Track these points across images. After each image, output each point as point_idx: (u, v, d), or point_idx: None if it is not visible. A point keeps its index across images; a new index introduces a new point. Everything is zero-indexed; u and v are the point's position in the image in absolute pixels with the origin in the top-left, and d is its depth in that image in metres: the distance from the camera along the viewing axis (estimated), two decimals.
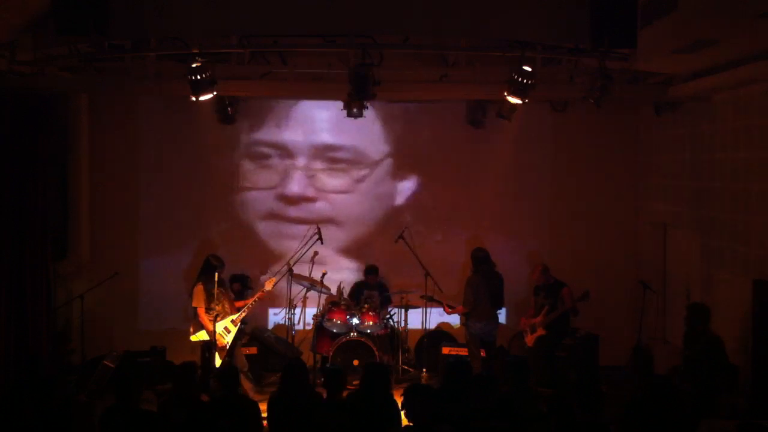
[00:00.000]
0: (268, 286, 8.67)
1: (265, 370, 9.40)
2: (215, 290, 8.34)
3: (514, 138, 10.22)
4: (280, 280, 8.99)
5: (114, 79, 8.16)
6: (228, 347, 8.46)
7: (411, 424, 5.55)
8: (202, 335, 8.44)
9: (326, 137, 10.49)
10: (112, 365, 8.82)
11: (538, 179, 10.68)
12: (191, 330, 8.56)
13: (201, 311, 8.37)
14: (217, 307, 8.44)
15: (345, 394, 6.22)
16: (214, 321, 8.29)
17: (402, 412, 5.69)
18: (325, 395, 6.15)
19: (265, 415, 6.25)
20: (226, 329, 8.47)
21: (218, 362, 8.36)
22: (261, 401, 8.11)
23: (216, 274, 8.37)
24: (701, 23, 5.99)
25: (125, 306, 10.14)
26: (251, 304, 8.64)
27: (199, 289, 8.45)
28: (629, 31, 6.34)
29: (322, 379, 6.61)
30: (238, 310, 8.63)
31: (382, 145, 10.50)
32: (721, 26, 6.08)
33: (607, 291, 10.11)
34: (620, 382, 8.69)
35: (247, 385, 8.50)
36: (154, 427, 5.55)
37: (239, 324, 8.57)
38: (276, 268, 9.63)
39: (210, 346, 8.39)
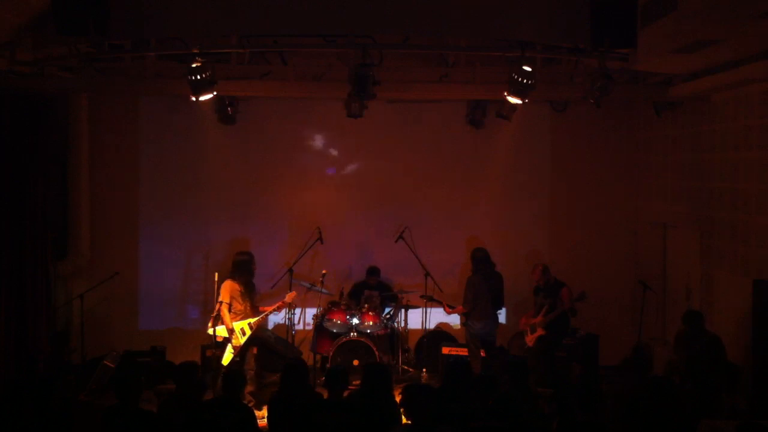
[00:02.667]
0: (289, 299, 8.70)
1: (265, 370, 9.39)
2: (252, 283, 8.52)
3: (514, 138, 10.23)
4: (281, 279, 9.02)
5: (114, 79, 8.18)
6: (240, 348, 8.46)
7: (410, 422, 5.55)
8: (222, 331, 8.40)
9: (326, 137, 10.50)
10: (112, 365, 8.83)
11: (538, 179, 10.68)
12: (209, 324, 8.48)
13: (225, 307, 8.35)
14: (240, 306, 8.45)
15: (345, 394, 6.22)
16: (215, 319, 8.28)
17: (401, 410, 5.69)
18: (326, 395, 6.16)
19: (265, 415, 6.25)
20: (242, 330, 8.46)
21: (226, 359, 8.38)
22: (261, 401, 8.22)
23: (249, 269, 8.51)
24: (701, 23, 5.99)
25: (125, 306, 10.13)
26: (270, 312, 8.67)
27: (228, 284, 8.46)
28: (629, 31, 6.35)
29: (323, 379, 6.60)
30: (256, 313, 8.64)
31: (381, 145, 10.50)
32: (721, 26, 6.08)
33: (607, 291, 10.11)
34: (620, 382, 8.69)
35: (247, 388, 8.49)
36: (154, 427, 5.55)
37: (255, 328, 8.57)
38: (277, 268, 9.62)
39: (222, 343, 8.38)
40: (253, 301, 8.69)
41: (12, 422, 5.59)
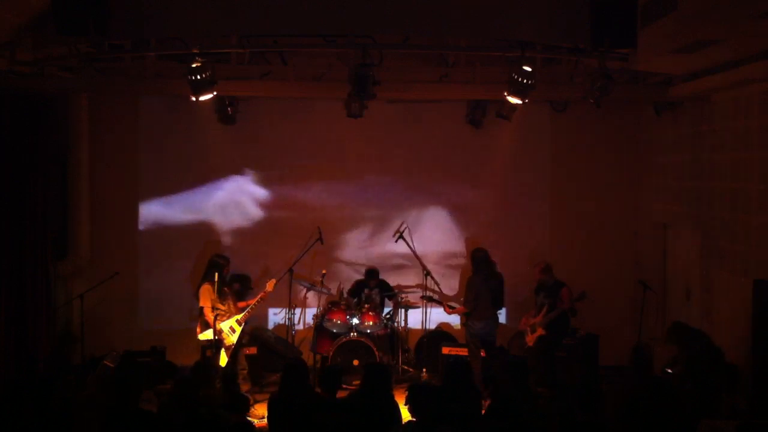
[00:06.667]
0: (269, 287, 8.68)
1: (265, 370, 9.40)
2: (224, 289, 8.42)
3: (514, 138, 10.23)
4: (280, 279, 9.02)
5: (114, 79, 8.18)
6: (233, 347, 8.47)
7: (414, 420, 5.55)
8: (209, 334, 8.43)
9: (326, 137, 10.50)
10: (112, 365, 8.82)
11: (538, 179, 10.68)
12: (198, 330, 8.54)
13: (207, 311, 8.36)
14: (222, 307, 8.45)
15: (345, 394, 6.22)
16: (215, 320, 8.29)
17: (406, 408, 5.69)
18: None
19: (265, 414, 6.25)
20: (231, 329, 8.49)
21: (223, 361, 8.38)
22: (261, 401, 8.23)
23: (221, 272, 8.44)
24: (701, 23, 5.99)
25: (125, 306, 10.13)
26: (254, 304, 8.66)
27: (206, 288, 8.45)
28: (629, 31, 6.34)
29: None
30: (241, 309, 8.64)
31: (382, 145, 10.50)
32: (721, 26, 6.08)
33: (607, 291, 10.11)
34: (620, 382, 8.68)
35: (244, 387, 8.50)
36: (154, 427, 5.55)
37: (243, 323, 8.58)
38: (277, 268, 9.62)
39: (217, 345, 8.38)
40: (235, 299, 8.72)
41: (12, 422, 5.59)
